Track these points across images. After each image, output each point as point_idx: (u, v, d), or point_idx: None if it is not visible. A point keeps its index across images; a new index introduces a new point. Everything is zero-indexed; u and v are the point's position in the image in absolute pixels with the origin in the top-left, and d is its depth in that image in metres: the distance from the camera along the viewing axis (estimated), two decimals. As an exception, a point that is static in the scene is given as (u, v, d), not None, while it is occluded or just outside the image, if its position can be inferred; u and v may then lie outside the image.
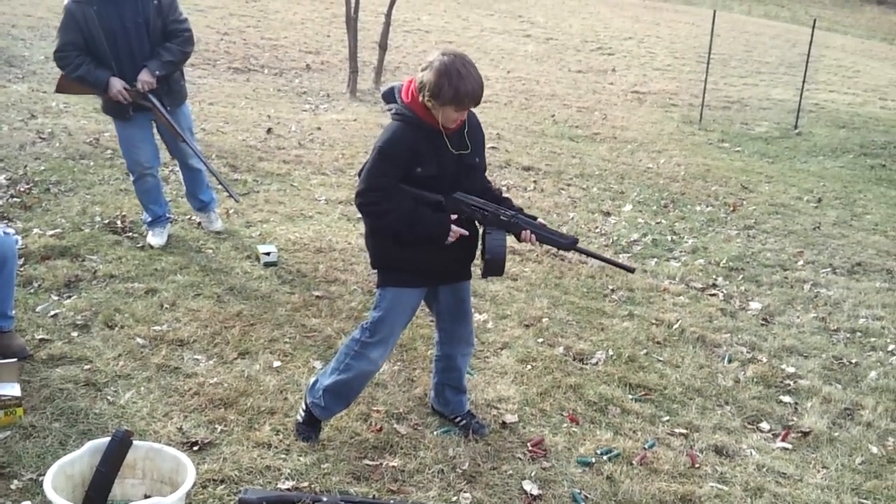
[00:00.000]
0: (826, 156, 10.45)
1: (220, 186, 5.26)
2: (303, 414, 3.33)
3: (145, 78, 4.63)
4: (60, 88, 4.77)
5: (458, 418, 3.50)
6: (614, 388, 3.98)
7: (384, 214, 3.03)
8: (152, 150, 4.98)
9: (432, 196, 3.05)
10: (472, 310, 3.52)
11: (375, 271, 3.28)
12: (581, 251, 3.31)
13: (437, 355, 3.51)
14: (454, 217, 3.08)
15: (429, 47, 15.27)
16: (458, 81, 2.87)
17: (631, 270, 3.60)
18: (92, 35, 4.54)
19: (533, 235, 3.15)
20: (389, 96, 3.09)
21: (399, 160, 2.99)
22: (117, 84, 4.60)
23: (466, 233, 3.11)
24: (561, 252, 5.78)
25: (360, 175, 3.11)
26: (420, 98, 2.96)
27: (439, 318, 3.44)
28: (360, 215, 3.39)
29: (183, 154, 5.08)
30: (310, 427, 3.32)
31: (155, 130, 5.02)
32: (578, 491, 3.15)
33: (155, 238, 5.04)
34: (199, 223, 5.45)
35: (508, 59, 15.13)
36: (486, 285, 4.98)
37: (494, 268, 3.15)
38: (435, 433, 3.42)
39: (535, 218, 3.22)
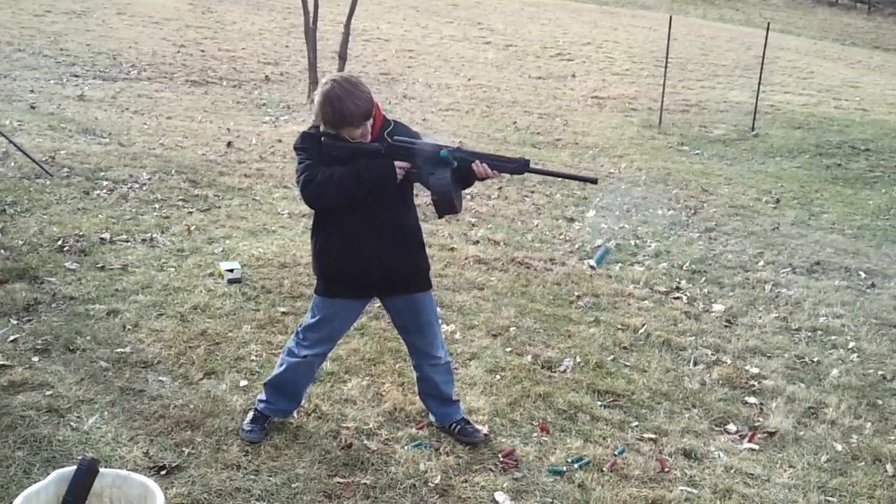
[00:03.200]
0: (783, 156, 10.64)
1: None
2: (249, 416, 3.42)
3: None
4: None
5: (453, 425, 3.50)
6: (583, 396, 4.00)
7: (326, 182, 3.00)
8: None
9: (370, 146, 3.05)
10: (439, 321, 3.52)
11: None
12: (535, 171, 3.16)
13: (412, 364, 3.53)
14: (398, 164, 3.04)
15: (388, 56, 15.28)
16: (340, 105, 2.94)
17: (594, 181, 3.31)
18: None
19: (485, 165, 3.04)
20: None
21: (313, 149, 3.06)
22: None
23: (409, 165, 3.05)
24: (527, 258, 5.81)
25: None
26: (321, 128, 3.07)
27: (396, 328, 3.50)
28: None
29: None
30: (253, 423, 3.37)
31: None
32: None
33: None
34: (151, 239, 5.38)
35: (469, 67, 15.18)
36: (452, 296, 4.98)
37: (444, 206, 3.05)
38: (405, 448, 3.40)
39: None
